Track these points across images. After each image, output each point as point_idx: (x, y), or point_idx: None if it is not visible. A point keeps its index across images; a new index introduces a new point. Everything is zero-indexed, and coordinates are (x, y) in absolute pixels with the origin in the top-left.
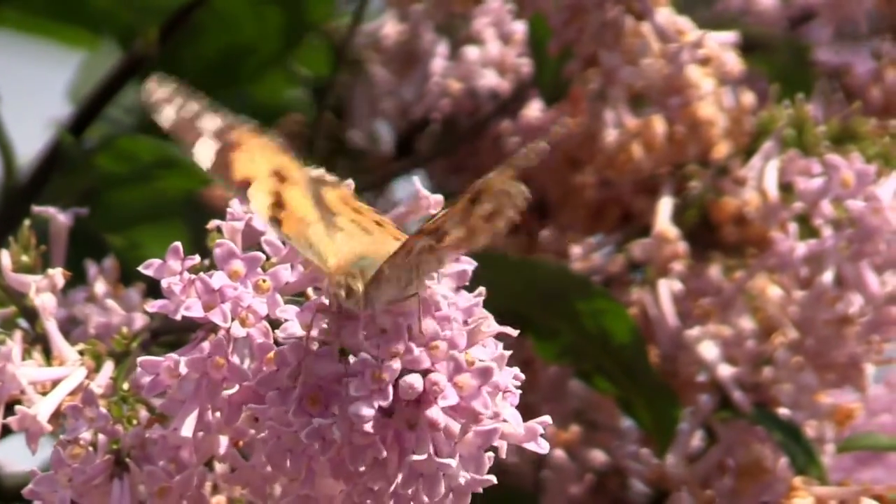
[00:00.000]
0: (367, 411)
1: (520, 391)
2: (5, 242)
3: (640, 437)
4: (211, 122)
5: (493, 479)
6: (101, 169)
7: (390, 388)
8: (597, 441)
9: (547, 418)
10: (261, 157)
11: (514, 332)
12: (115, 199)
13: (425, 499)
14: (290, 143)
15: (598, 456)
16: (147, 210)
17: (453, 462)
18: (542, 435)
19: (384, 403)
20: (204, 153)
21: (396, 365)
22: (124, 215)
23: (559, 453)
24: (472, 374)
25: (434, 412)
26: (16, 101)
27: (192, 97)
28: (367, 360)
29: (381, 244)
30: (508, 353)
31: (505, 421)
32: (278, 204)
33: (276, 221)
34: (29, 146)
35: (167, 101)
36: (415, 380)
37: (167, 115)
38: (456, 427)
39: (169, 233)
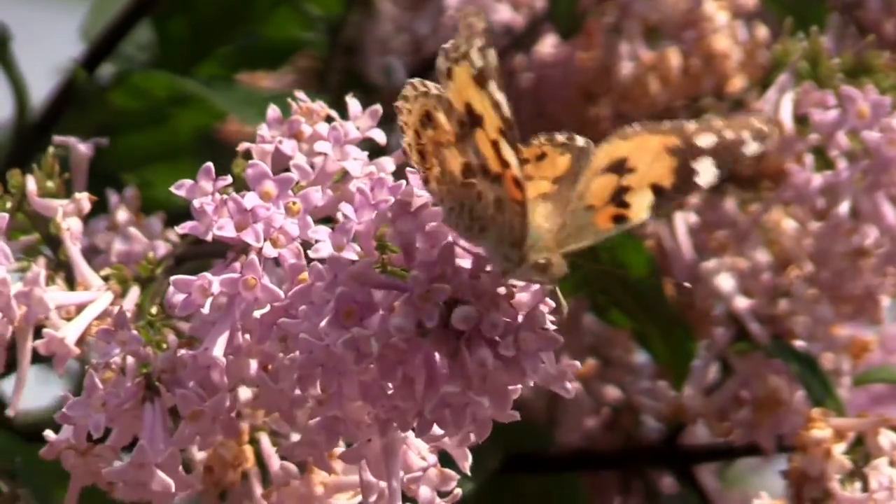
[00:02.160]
0: (408, 324)
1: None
2: (30, 170)
3: (653, 373)
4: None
5: (517, 415)
6: (115, 105)
7: (436, 311)
8: (611, 377)
9: (576, 363)
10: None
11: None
12: (128, 140)
13: (449, 427)
14: (303, 79)
15: (613, 391)
16: (160, 149)
17: (485, 401)
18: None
19: (430, 324)
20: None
21: (447, 287)
22: (138, 155)
23: (575, 386)
24: (536, 335)
25: (485, 354)
26: (30, 46)
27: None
28: (417, 278)
29: None
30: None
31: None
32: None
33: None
34: (41, 91)
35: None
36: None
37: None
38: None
39: (182, 171)
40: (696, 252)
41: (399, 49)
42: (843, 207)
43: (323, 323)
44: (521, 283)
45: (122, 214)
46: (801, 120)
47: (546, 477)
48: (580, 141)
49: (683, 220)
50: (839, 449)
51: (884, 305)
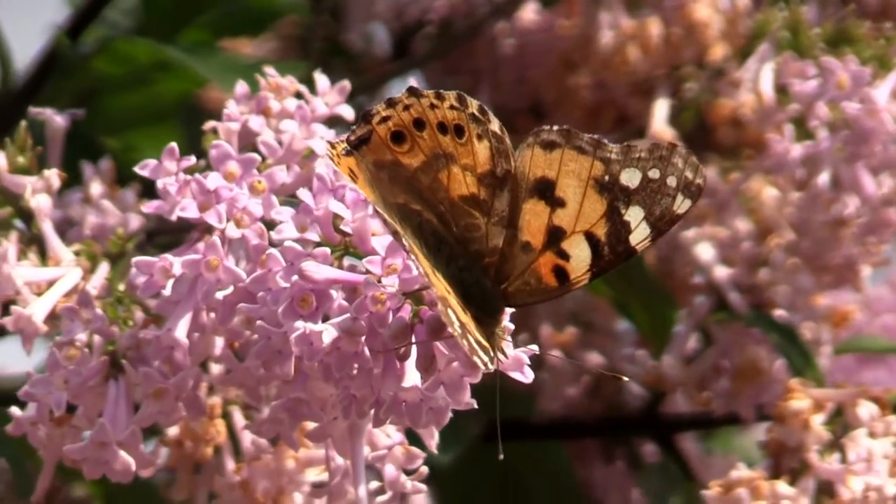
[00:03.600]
0: (359, 326)
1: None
2: (2, 144)
3: (636, 340)
4: None
5: (475, 403)
6: (99, 71)
7: (390, 315)
8: (593, 343)
9: (534, 348)
10: None
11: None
12: (112, 103)
13: (406, 421)
14: (284, 46)
15: (595, 358)
16: (144, 113)
17: (440, 394)
18: (528, 364)
19: (382, 330)
20: None
21: (396, 288)
22: (121, 118)
23: (555, 354)
24: None
25: (437, 351)
26: (15, 7)
27: None
28: (370, 283)
29: None
30: None
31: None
32: None
33: None
34: (28, 53)
35: None
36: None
37: None
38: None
39: (165, 135)
40: None
41: (383, 14)
42: (823, 178)
43: (279, 310)
44: None
45: (96, 187)
46: (782, 90)
47: (530, 444)
48: (495, 125)
49: None
50: (818, 420)
51: (864, 275)
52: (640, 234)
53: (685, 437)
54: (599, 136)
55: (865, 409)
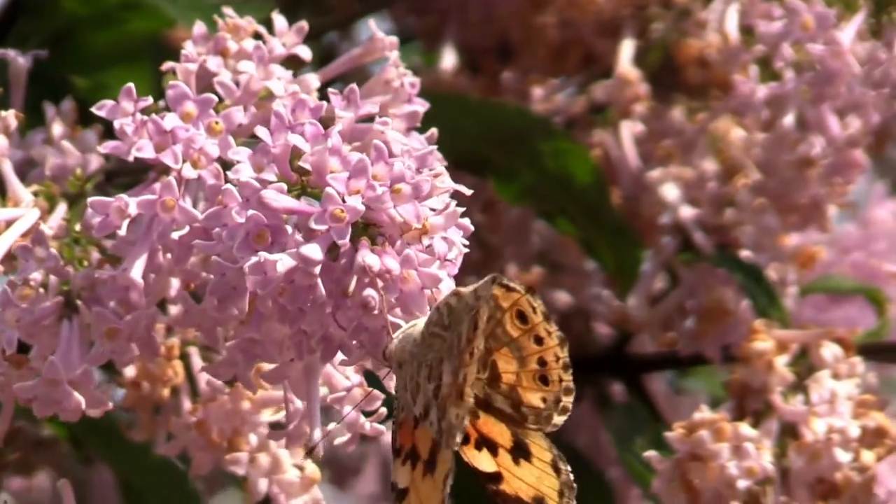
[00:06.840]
0: (316, 253)
1: (467, 249)
2: None
3: (604, 280)
4: None
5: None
6: (68, 11)
7: (349, 228)
8: (561, 283)
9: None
10: None
11: (468, 192)
12: (82, 43)
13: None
14: None
15: (563, 297)
16: (114, 52)
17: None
18: None
19: (343, 242)
20: None
21: (359, 205)
22: (92, 58)
23: None
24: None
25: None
26: None
27: None
28: (331, 196)
29: None
30: (461, 210)
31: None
32: None
33: None
34: None
35: None
36: (373, 261)
37: None
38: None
39: (136, 75)
40: (642, 161)
41: None
42: (789, 118)
43: (235, 245)
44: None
45: (57, 128)
46: (748, 31)
47: None
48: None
49: (629, 129)
50: (781, 361)
51: (830, 215)
52: None
53: (653, 377)
54: None
55: (829, 351)
